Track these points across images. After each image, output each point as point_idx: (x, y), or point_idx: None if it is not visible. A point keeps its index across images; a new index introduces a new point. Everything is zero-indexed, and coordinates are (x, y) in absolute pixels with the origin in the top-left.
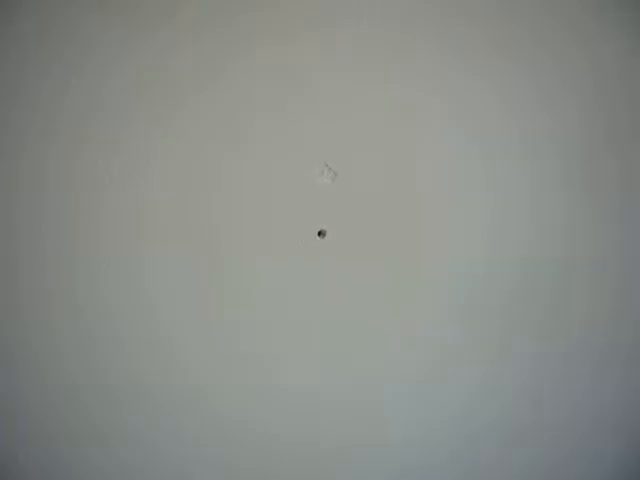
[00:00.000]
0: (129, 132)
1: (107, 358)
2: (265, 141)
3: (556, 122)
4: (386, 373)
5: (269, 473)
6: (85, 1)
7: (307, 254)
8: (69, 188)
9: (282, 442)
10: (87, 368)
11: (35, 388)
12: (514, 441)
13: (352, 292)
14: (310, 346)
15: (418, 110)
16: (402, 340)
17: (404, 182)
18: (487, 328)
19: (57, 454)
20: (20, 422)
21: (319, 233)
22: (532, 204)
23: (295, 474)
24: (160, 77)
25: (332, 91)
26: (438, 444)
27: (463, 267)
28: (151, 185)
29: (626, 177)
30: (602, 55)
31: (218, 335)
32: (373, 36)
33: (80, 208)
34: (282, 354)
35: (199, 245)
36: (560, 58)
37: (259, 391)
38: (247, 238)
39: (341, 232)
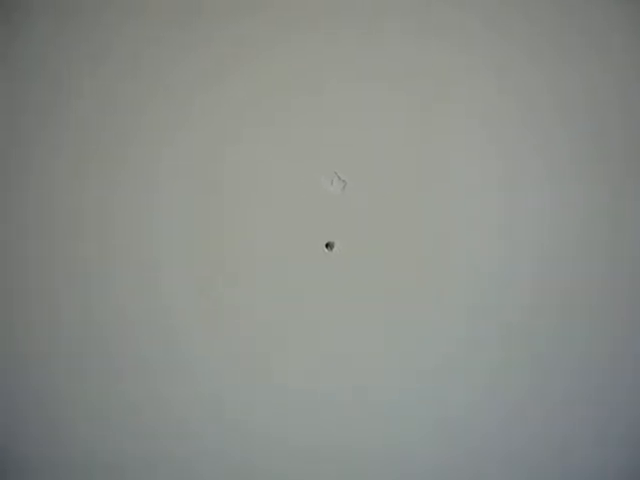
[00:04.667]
0: (138, 138)
1: (116, 357)
2: (273, 148)
3: (573, 131)
4: (387, 376)
5: (270, 470)
6: (96, 6)
7: (314, 265)
8: (79, 192)
9: (284, 441)
10: (96, 366)
11: (45, 386)
12: (517, 447)
13: (357, 302)
14: (315, 351)
15: (429, 120)
16: (406, 345)
17: (415, 193)
18: (493, 339)
19: (64, 449)
20: (29, 419)
21: (327, 245)
22: (547, 221)
23: (296, 472)
24: (168, 83)
25: (343, 99)
26: (439, 446)
27: (473, 280)
28: (159, 190)
29: None
30: (619, 58)
31: (224, 338)
32: (384, 44)
33: (90, 211)
34: (286, 355)
35: (206, 250)
36: (578, 62)
37: (262, 391)
38: (254, 247)
39: (350, 244)
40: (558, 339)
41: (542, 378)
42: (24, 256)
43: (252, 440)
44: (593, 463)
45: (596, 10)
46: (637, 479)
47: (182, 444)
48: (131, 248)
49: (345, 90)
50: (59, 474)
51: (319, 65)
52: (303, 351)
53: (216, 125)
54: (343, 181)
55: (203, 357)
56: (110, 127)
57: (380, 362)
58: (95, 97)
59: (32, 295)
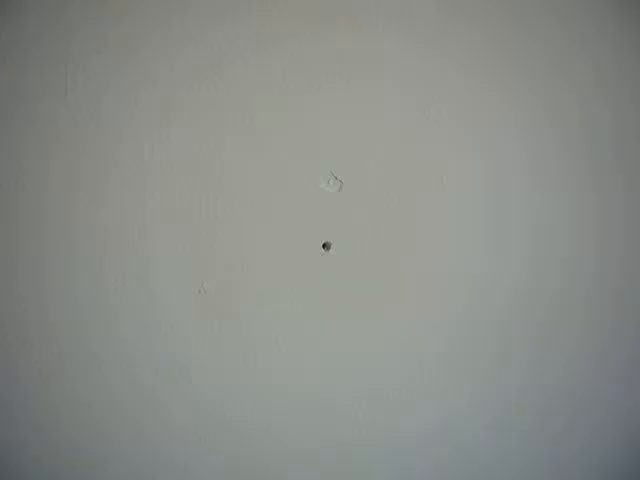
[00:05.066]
0: (131, 133)
1: (107, 357)
2: (268, 147)
3: (561, 132)
4: (386, 375)
5: (270, 472)
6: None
7: (311, 266)
8: (71, 188)
9: (283, 441)
10: (86, 367)
11: (36, 387)
12: (514, 442)
13: (355, 303)
14: (313, 350)
15: (427, 120)
16: (403, 345)
17: (412, 193)
18: (488, 339)
19: (57, 453)
20: (19, 421)
21: (324, 245)
22: (537, 213)
23: (295, 473)
24: (163, 79)
25: (340, 98)
26: (439, 446)
27: (469, 278)
28: (154, 187)
29: (630, 179)
30: (612, 68)
31: (221, 338)
32: (384, 44)
33: (82, 208)
34: (284, 355)
35: (201, 248)
36: (565, 65)
37: (260, 391)
38: (250, 246)
39: (347, 244)
40: (549, 338)
41: (534, 378)
42: (16, 256)
43: (253, 440)
44: (589, 460)
45: (589, 20)
46: (633, 478)
47: (182, 447)
48: (124, 248)
49: (342, 89)
50: (54, 476)
51: (316, 64)
52: (301, 350)
53: (212, 123)
54: (340, 181)
55: (201, 357)
56: (103, 123)
57: (379, 361)
58: (90, 95)
59: (23, 296)
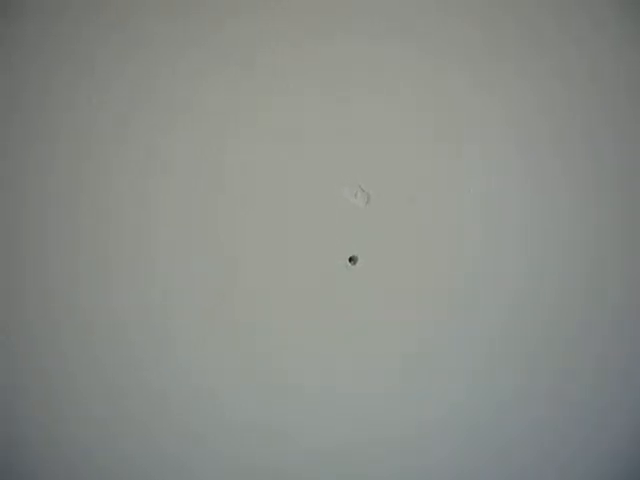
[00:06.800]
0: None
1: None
2: (294, 159)
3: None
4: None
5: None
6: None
7: (337, 280)
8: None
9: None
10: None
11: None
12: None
13: (376, 311)
14: (319, 356)
15: (454, 132)
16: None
17: (440, 207)
18: (514, 347)
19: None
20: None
21: (350, 259)
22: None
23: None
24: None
25: (368, 109)
26: (454, 445)
27: (503, 291)
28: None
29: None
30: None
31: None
32: (410, 56)
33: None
34: (292, 357)
35: (221, 261)
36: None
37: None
38: (271, 261)
39: (373, 258)
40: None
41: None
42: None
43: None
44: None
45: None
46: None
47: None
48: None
49: (372, 100)
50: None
51: (344, 72)
52: (322, 362)
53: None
54: (367, 194)
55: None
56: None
57: (404, 364)
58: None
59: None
